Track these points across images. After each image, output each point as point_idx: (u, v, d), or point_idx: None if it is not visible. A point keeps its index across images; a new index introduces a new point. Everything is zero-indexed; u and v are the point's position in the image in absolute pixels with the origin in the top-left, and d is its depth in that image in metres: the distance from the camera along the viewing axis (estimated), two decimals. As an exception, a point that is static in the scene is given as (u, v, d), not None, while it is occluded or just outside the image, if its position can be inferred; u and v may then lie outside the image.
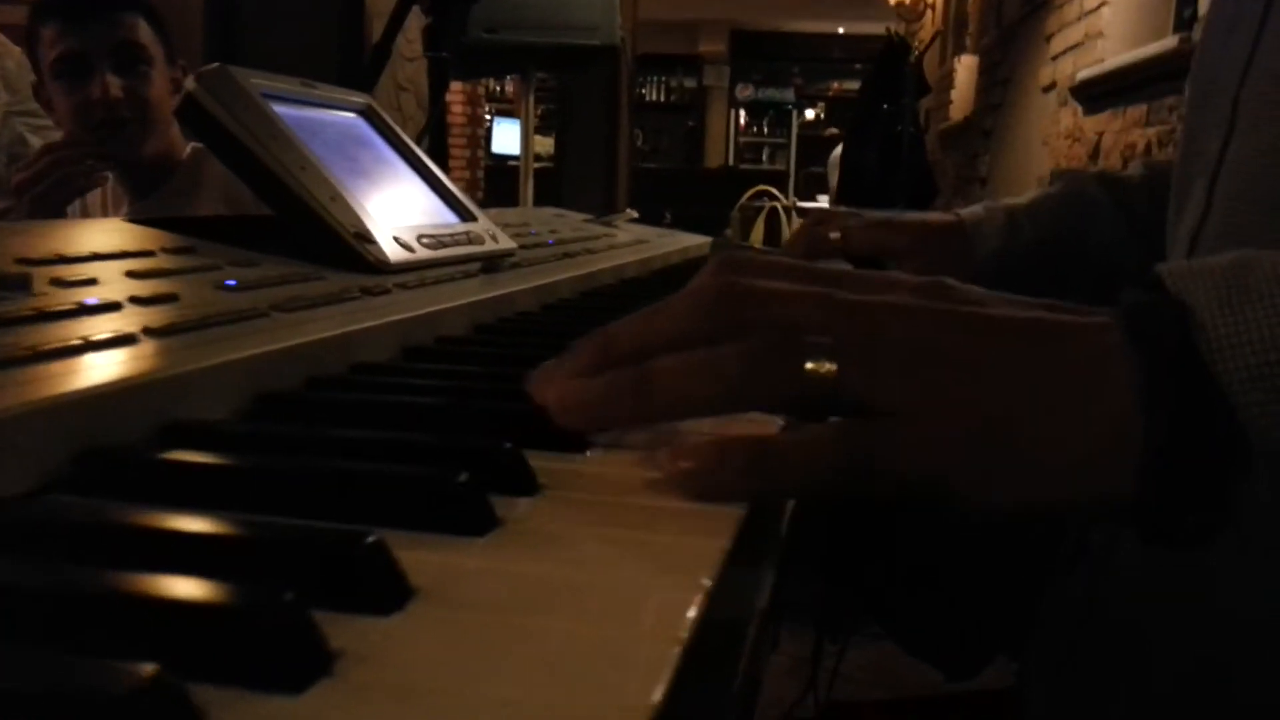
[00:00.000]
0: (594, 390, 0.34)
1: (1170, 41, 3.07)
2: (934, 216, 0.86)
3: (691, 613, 0.23)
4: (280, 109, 0.64)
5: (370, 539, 0.23)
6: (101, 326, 0.37)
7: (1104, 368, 0.31)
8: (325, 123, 0.72)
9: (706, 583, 0.25)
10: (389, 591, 0.23)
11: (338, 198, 0.61)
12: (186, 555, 0.24)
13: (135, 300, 0.42)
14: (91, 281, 0.43)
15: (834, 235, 0.86)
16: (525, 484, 0.31)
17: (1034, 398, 0.31)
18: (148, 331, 0.38)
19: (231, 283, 0.48)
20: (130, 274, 0.46)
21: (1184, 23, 3.11)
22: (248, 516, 0.26)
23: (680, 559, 0.26)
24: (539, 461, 0.32)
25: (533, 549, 0.27)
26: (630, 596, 0.24)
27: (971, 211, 0.85)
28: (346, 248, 0.59)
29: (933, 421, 0.31)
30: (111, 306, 0.40)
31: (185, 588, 0.20)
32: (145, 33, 1.41)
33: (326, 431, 0.34)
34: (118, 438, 0.31)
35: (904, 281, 0.36)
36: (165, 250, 0.52)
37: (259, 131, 0.61)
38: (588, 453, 0.35)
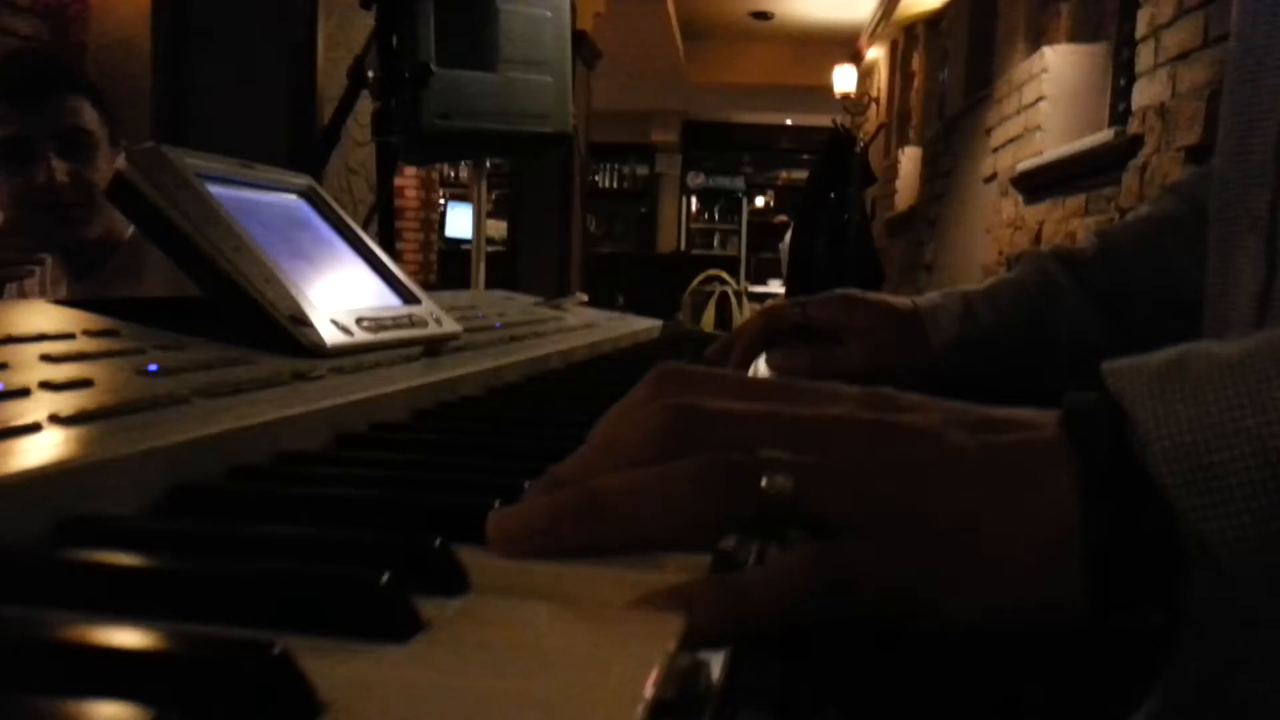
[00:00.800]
0: (535, 512, 0.32)
1: (1106, 134, 3.18)
2: (894, 299, 0.85)
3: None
4: (215, 189, 0.63)
5: (275, 650, 0.21)
6: (3, 414, 0.35)
7: (1046, 468, 0.32)
8: (263, 204, 0.70)
9: (646, 695, 0.22)
10: (294, 711, 0.20)
11: (272, 279, 0.59)
12: (72, 668, 0.21)
13: (46, 386, 0.39)
14: (1, 366, 0.41)
15: (793, 310, 0.85)
16: (455, 583, 0.28)
17: (985, 502, 0.31)
18: (54, 419, 0.36)
19: (153, 367, 0.46)
20: (45, 357, 0.43)
21: (1119, 116, 3.22)
22: (145, 622, 0.23)
23: (624, 666, 0.24)
24: (473, 558, 0.30)
25: (458, 656, 0.24)
26: (565, 711, 0.22)
27: (928, 299, 0.84)
28: (281, 331, 0.57)
29: (896, 532, 0.31)
30: (19, 393, 0.38)
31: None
32: (90, 116, 1.39)
33: (239, 527, 0.31)
34: (12, 533, 0.29)
35: (846, 393, 0.36)
36: (87, 333, 0.50)
37: (190, 211, 0.59)
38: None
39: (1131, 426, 0.31)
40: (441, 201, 6.72)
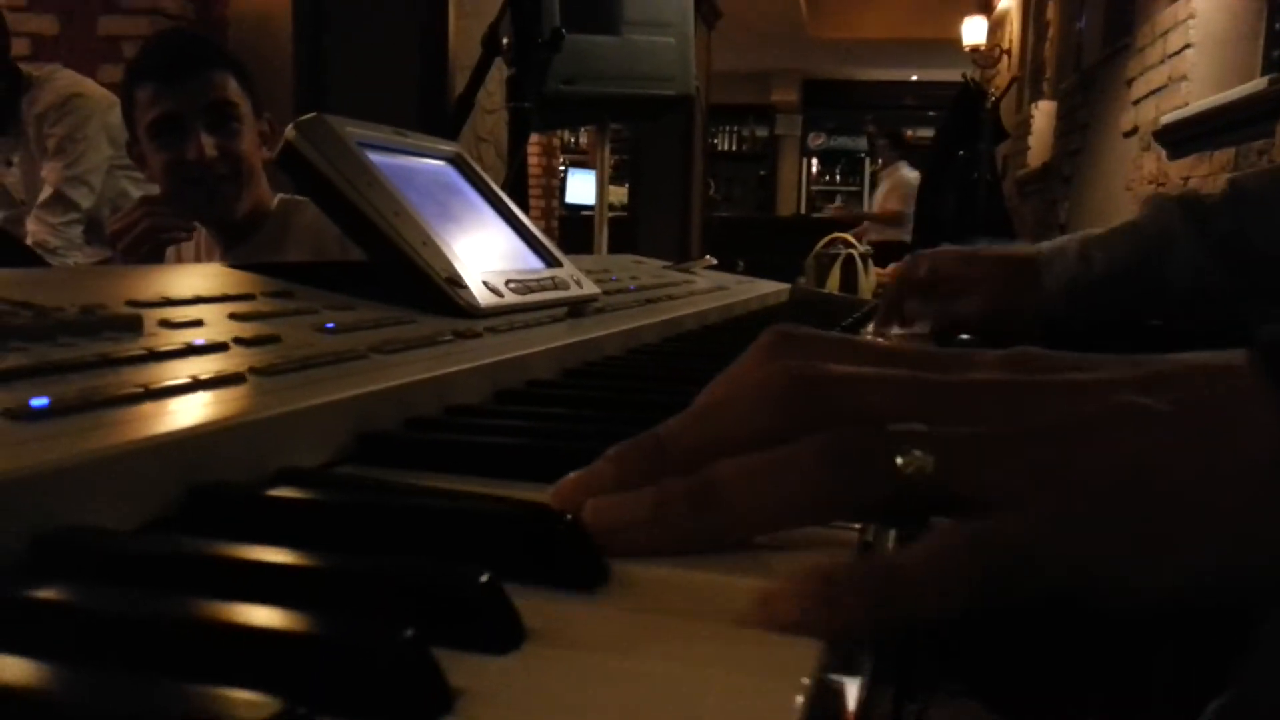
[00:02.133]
0: (643, 505, 0.29)
1: (1259, 83, 3.00)
2: (1016, 249, 0.89)
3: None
4: (374, 157, 0.66)
5: (406, 636, 0.20)
6: (209, 367, 0.38)
7: (1242, 410, 0.28)
8: (417, 170, 0.73)
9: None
10: (425, 701, 0.20)
11: (429, 243, 0.62)
12: (301, 591, 0.24)
13: (240, 341, 0.43)
14: (198, 323, 0.44)
15: (922, 266, 0.89)
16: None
17: (1171, 456, 0.27)
18: (254, 371, 0.39)
19: (330, 325, 0.49)
20: (233, 316, 0.47)
21: (1274, 64, 3.04)
22: (356, 556, 0.25)
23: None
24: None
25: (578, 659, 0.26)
26: None
27: (1051, 244, 0.87)
28: (439, 292, 0.60)
29: (1067, 504, 0.27)
30: (218, 347, 0.41)
31: (302, 622, 0.20)
32: (235, 90, 1.46)
33: (425, 479, 0.34)
34: (227, 475, 0.32)
35: (986, 356, 0.32)
36: (264, 294, 0.53)
37: (355, 178, 0.63)
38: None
39: None
40: (562, 168, 6.79)
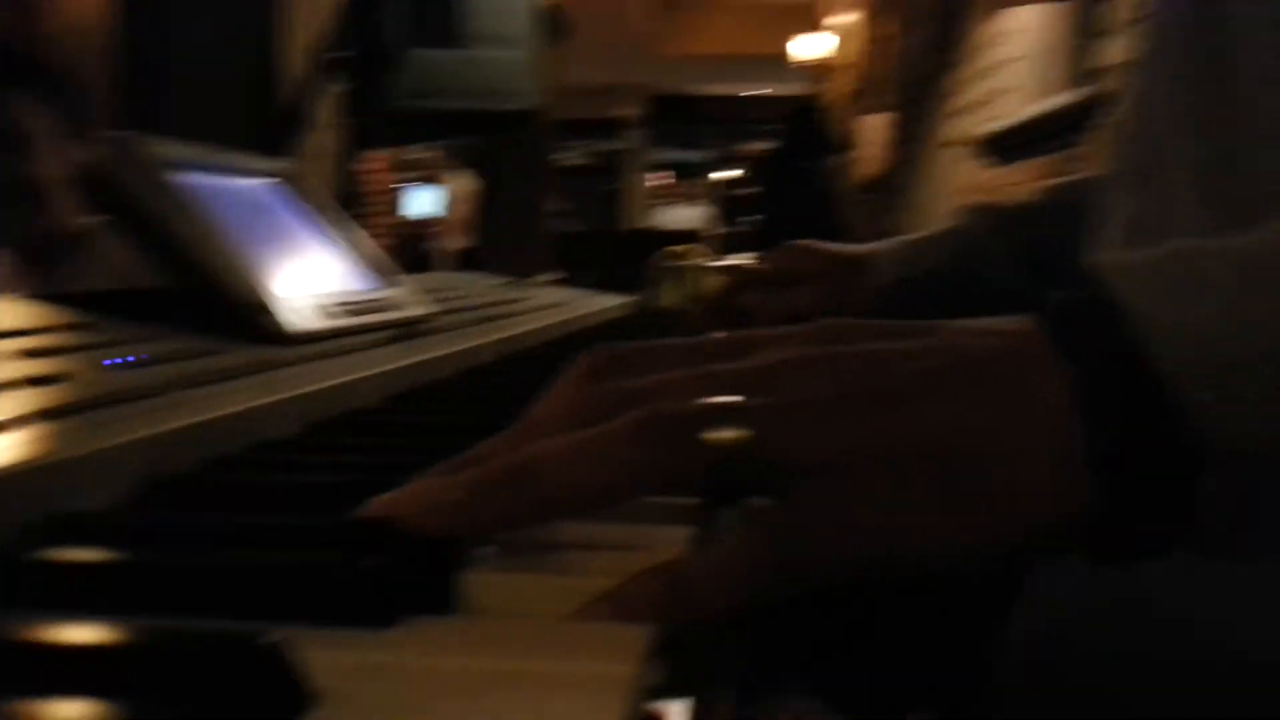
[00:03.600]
0: (460, 485, 0.28)
1: (1075, 94, 3.19)
2: (849, 246, 0.94)
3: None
4: (186, 177, 0.62)
5: (265, 640, 0.20)
6: (-24, 411, 0.34)
7: (1032, 375, 0.29)
8: (235, 191, 0.69)
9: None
10: (286, 703, 0.20)
11: (240, 267, 0.58)
12: (65, 671, 0.21)
13: (19, 382, 0.39)
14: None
15: (755, 266, 0.94)
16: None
17: (971, 422, 0.28)
18: (29, 415, 0.35)
19: (123, 360, 0.45)
20: (13, 354, 0.43)
21: (1082, 79, 3.24)
22: (124, 619, 0.23)
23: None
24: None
25: (446, 639, 0.24)
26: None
27: (879, 244, 0.92)
28: (249, 319, 0.57)
29: (874, 472, 0.28)
30: (-8, 389, 0.38)
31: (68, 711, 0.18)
32: (40, 109, 1.36)
33: (219, 518, 0.31)
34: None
35: (792, 333, 0.33)
36: (53, 328, 0.49)
37: (160, 201, 0.59)
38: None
39: (1131, 322, 0.28)
40: (403, 185, 6.66)
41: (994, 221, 0.88)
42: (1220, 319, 0.28)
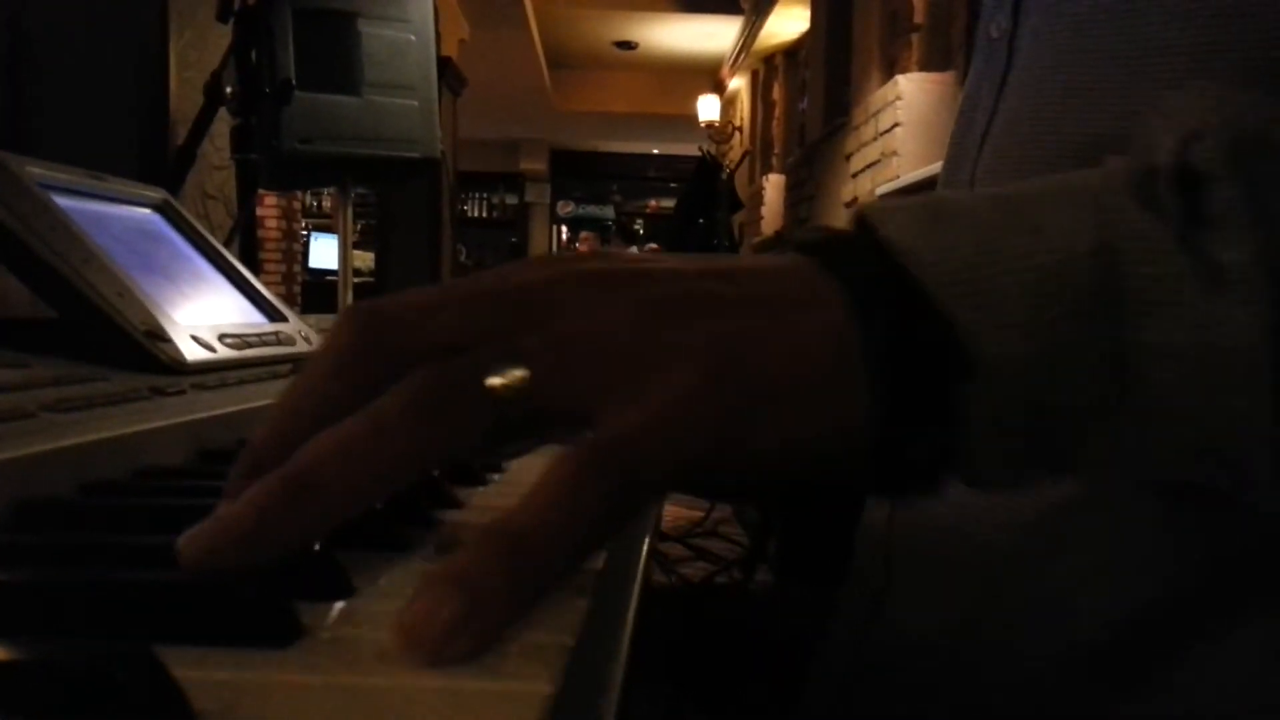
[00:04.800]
0: (243, 516, 0.25)
1: (957, 159, 3.32)
2: None
3: None
4: (63, 201, 0.59)
5: (145, 655, 0.19)
6: None
7: (806, 292, 0.29)
8: (115, 217, 0.66)
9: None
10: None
11: (126, 293, 0.55)
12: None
13: None
14: None
15: None
16: (338, 587, 0.27)
17: (757, 329, 0.28)
18: (-121, 434, 0.32)
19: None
20: None
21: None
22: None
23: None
24: (356, 564, 0.28)
25: (337, 656, 0.23)
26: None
27: None
28: (137, 347, 0.54)
29: (672, 388, 0.26)
30: None
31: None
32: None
33: (100, 538, 0.29)
34: None
35: (558, 257, 0.31)
36: (-84, 351, 0.46)
37: (36, 223, 0.55)
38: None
39: (896, 251, 0.29)
40: (304, 232, 6.55)
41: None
42: (977, 244, 0.29)
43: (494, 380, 0.26)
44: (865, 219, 0.31)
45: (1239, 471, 0.29)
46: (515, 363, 0.26)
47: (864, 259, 0.30)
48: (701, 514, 2.29)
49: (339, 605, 0.26)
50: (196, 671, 0.20)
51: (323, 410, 0.27)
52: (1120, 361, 0.29)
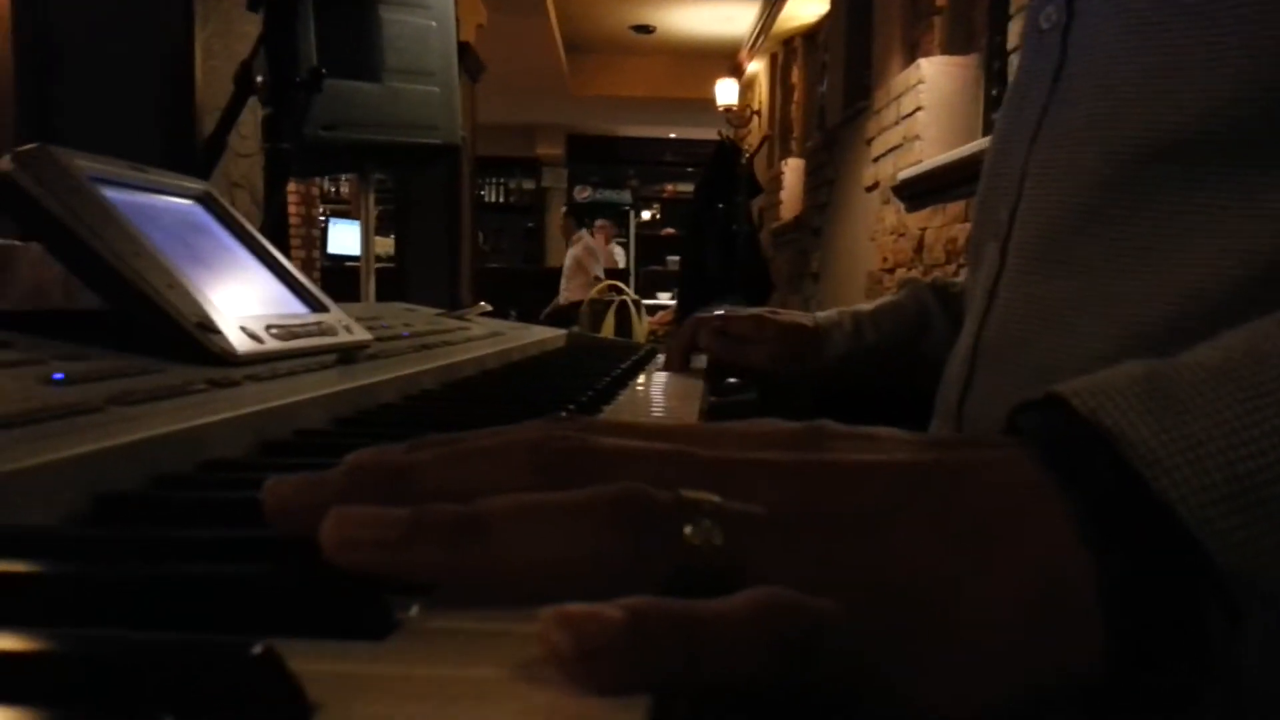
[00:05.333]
0: (397, 523, 0.25)
1: (983, 142, 3.30)
2: (799, 315, 0.99)
3: None
4: (110, 193, 0.59)
5: (260, 649, 0.19)
6: (-99, 424, 0.32)
7: (1030, 506, 0.26)
8: (160, 208, 0.67)
9: None
10: (286, 713, 0.19)
11: (176, 285, 0.56)
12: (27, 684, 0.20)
13: (-57, 396, 0.37)
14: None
15: (716, 320, 0.98)
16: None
17: (951, 552, 0.25)
18: (-41, 429, 0.33)
19: (59, 376, 0.43)
20: (-63, 369, 0.40)
21: (993, 125, 3.35)
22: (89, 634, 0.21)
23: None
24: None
25: (435, 647, 0.23)
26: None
27: (826, 316, 0.98)
28: (188, 339, 0.54)
29: (853, 595, 0.24)
30: (-86, 403, 0.35)
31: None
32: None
33: (180, 532, 0.29)
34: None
35: (777, 428, 0.30)
36: (-20, 344, 0.46)
37: (87, 215, 0.56)
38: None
39: (1127, 447, 0.26)
40: (323, 218, 6.57)
41: (931, 297, 0.94)
42: (1225, 433, 0.26)
43: (689, 528, 0.25)
44: (1073, 402, 0.27)
45: None
46: (715, 520, 0.25)
47: (1095, 454, 0.26)
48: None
49: (421, 600, 0.26)
50: (305, 664, 0.20)
51: (488, 489, 0.26)
52: None
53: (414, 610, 0.25)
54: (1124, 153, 0.45)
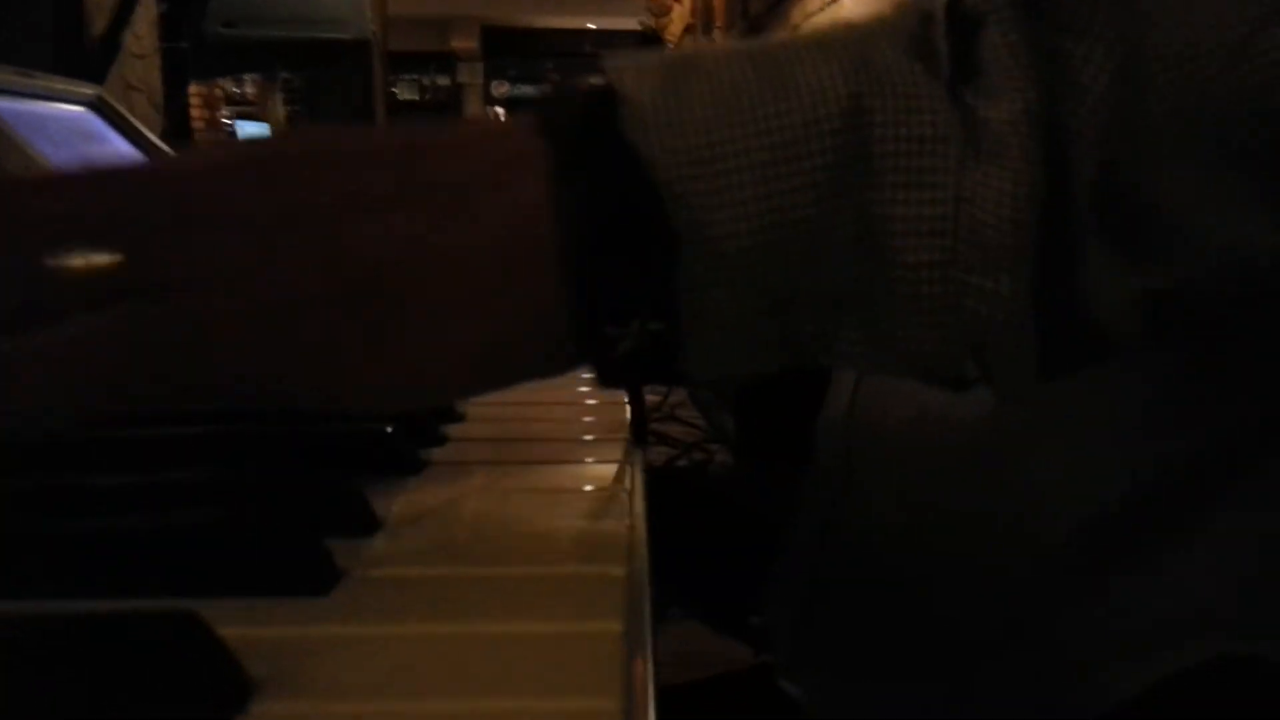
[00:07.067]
0: None
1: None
2: None
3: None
4: (-9, 100, 0.55)
5: (191, 617, 0.17)
6: None
7: (512, 166, 0.25)
8: (49, 117, 0.62)
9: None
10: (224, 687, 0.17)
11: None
12: None
13: None
14: None
15: None
16: (368, 522, 0.25)
17: (416, 216, 0.24)
18: None
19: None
20: None
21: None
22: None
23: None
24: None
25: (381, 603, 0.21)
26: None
27: None
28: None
29: (251, 294, 0.23)
30: None
31: None
32: None
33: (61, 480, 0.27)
34: None
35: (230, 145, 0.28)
36: None
37: (-34, 126, 0.51)
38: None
39: (627, 105, 0.25)
40: (229, 121, 6.31)
41: None
42: (719, 104, 0.25)
43: (74, 263, 0.22)
44: (605, 68, 0.26)
45: (988, 359, 0.26)
46: (99, 242, 0.23)
47: (588, 107, 0.25)
48: (658, 399, 2.30)
49: (368, 542, 0.24)
50: (241, 629, 0.18)
51: None
52: (871, 241, 0.24)
53: (360, 555, 0.23)
54: None
